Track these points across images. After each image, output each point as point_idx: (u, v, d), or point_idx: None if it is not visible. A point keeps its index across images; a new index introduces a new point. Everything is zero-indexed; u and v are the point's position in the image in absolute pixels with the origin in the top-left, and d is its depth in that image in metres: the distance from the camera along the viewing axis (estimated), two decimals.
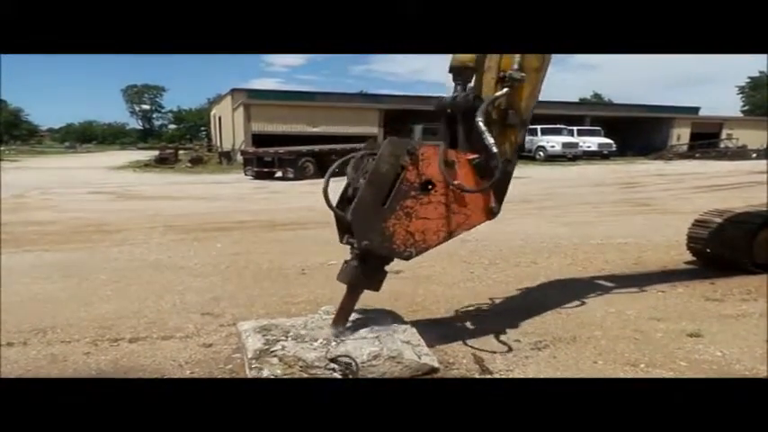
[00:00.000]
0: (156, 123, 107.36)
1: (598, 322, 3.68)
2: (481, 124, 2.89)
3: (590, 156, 30.43)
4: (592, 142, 31.35)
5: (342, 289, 3.01)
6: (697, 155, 33.15)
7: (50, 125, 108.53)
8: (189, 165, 27.24)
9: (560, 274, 5.04)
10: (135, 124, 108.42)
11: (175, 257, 5.91)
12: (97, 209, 10.83)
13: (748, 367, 2.97)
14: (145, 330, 3.60)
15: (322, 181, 2.93)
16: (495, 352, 3.15)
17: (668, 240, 6.37)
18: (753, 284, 4.52)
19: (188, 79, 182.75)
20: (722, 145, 37.30)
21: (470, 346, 3.23)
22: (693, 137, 38.27)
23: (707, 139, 37.52)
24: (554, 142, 29.57)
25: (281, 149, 19.53)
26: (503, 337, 3.37)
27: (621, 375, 2.88)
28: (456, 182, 2.89)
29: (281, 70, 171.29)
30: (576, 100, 54.72)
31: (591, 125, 34.30)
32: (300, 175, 18.55)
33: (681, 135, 38.39)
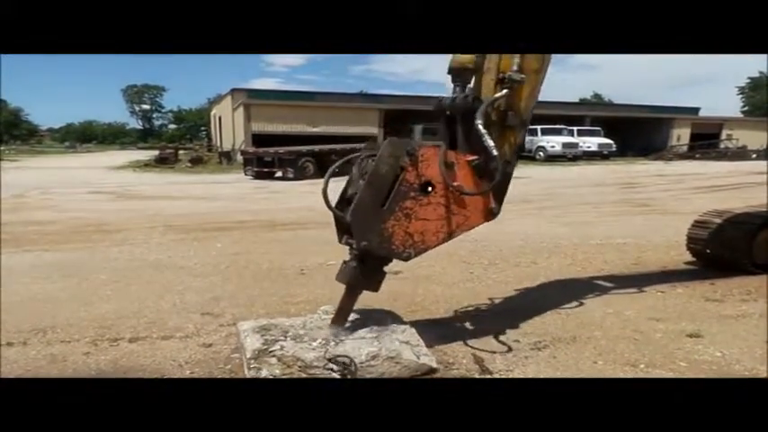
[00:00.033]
0: (156, 123, 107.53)
1: (598, 322, 3.68)
2: (480, 126, 2.89)
3: (590, 156, 30.44)
4: (592, 142, 31.35)
5: (341, 289, 3.01)
6: (697, 155, 33.16)
7: (50, 125, 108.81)
8: (189, 165, 27.24)
9: (560, 275, 5.04)
10: (135, 124, 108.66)
11: (175, 257, 5.91)
12: (97, 209, 10.83)
13: (748, 367, 2.97)
14: (145, 330, 3.60)
15: (322, 181, 2.93)
16: (494, 352, 3.15)
17: (668, 241, 6.36)
18: (752, 285, 4.52)
19: (188, 79, 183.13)
20: (722, 145, 37.33)
21: (470, 347, 3.22)
22: (693, 137, 38.29)
23: (707, 140, 37.54)
24: (554, 142, 29.58)
25: (281, 149, 19.53)
26: (502, 338, 3.37)
27: (621, 375, 2.88)
28: (455, 183, 2.89)
29: (281, 70, 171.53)
30: (576, 100, 54.75)
31: (591, 125, 34.31)
32: (300, 175, 18.55)
33: (681, 135, 38.41)
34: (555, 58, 3.33)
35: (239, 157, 24.77)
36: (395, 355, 2.76)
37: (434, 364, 2.85)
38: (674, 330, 3.52)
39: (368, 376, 2.67)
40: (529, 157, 28.52)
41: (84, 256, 6.08)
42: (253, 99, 31.28)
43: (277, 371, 2.63)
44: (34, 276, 5.07)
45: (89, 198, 13.18)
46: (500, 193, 3.15)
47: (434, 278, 4.88)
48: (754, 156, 31.27)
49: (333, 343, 2.81)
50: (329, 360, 2.67)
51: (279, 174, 19.28)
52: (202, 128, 74.75)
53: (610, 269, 5.27)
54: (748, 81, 67.12)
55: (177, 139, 68.17)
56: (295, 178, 18.38)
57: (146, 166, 27.77)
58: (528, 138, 25.51)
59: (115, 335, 3.51)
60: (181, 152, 33.41)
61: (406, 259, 2.92)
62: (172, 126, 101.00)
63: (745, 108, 65.77)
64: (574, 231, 7.37)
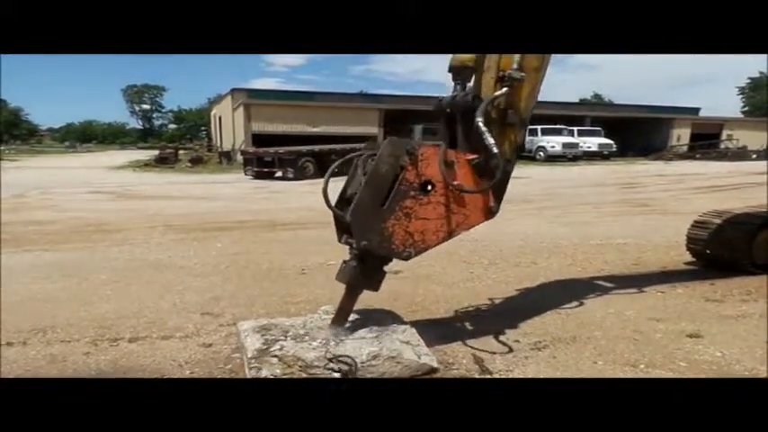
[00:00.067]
0: (157, 123, 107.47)
1: (598, 323, 3.68)
2: (481, 124, 2.89)
3: (590, 156, 30.44)
4: (592, 142, 31.36)
5: (341, 289, 3.01)
6: (697, 155, 33.17)
7: (50, 125, 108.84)
8: (189, 164, 27.23)
9: (560, 275, 5.04)
10: (135, 124, 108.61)
11: (175, 257, 5.91)
12: (97, 208, 10.83)
13: (748, 368, 2.97)
14: (145, 330, 3.60)
15: (322, 181, 2.93)
16: (494, 352, 3.15)
17: (668, 241, 6.36)
18: (752, 285, 4.52)
19: (188, 79, 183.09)
20: (722, 146, 37.32)
21: (470, 347, 3.22)
22: (693, 137, 38.29)
23: (707, 140, 37.55)
24: (554, 142, 29.58)
25: (281, 149, 19.53)
26: (502, 338, 3.37)
27: (621, 375, 2.88)
28: (455, 182, 2.89)
29: (281, 70, 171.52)
30: (576, 100, 54.77)
31: (591, 125, 34.32)
32: (300, 175, 18.55)
33: (681, 136, 38.41)
34: (555, 58, 3.33)
35: (239, 157, 24.77)
36: (396, 355, 2.76)
37: (435, 364, 2.85)
38: (674, 330, 3.52)
39: (368, 376, 2.67)
40: (529, 157, 28.52)
41: (84, 255, 6.08)
42: (253, 99, 31.28)
43: (277, 371, 2.63)
44: (34, 276, 5.07)
45: (89, 198, 13.18)
46: (499, 191, 3.15)
47: (435, 278, 4.88)
48: (754, 156, 31.28)
49: (333, 343, 2.81)
50: (330, 360, 2.67)
51: (279, 174, 19.28)
52: (202, 128, 74.79)
53: (610, 269, 5.27)
54: (748, 81, 67.25)
55: (177, 139, 68.21)
56: (295, 178, 18.38)
57: (146, 165, 27.77)
58: (528, 138, 25.57)
59: (115, 335, 3.51)
60: (181, 152, 33.40)
61: (407, 259, 2.92)
62: (172, 126, 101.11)
63: (746, 108, 65.81)
64: (574, 231, 7.37)
